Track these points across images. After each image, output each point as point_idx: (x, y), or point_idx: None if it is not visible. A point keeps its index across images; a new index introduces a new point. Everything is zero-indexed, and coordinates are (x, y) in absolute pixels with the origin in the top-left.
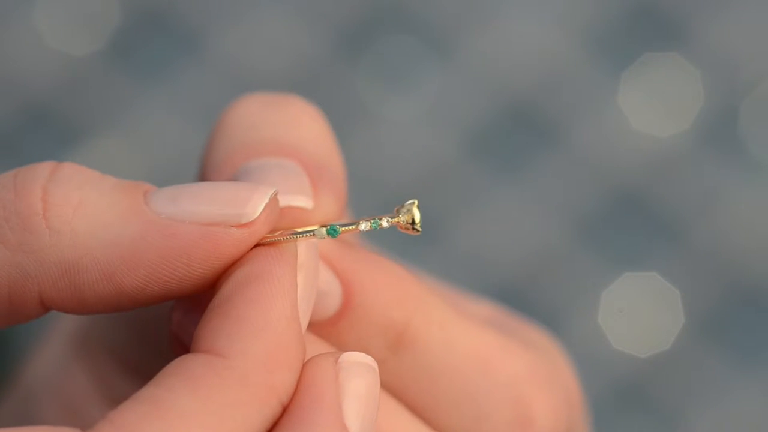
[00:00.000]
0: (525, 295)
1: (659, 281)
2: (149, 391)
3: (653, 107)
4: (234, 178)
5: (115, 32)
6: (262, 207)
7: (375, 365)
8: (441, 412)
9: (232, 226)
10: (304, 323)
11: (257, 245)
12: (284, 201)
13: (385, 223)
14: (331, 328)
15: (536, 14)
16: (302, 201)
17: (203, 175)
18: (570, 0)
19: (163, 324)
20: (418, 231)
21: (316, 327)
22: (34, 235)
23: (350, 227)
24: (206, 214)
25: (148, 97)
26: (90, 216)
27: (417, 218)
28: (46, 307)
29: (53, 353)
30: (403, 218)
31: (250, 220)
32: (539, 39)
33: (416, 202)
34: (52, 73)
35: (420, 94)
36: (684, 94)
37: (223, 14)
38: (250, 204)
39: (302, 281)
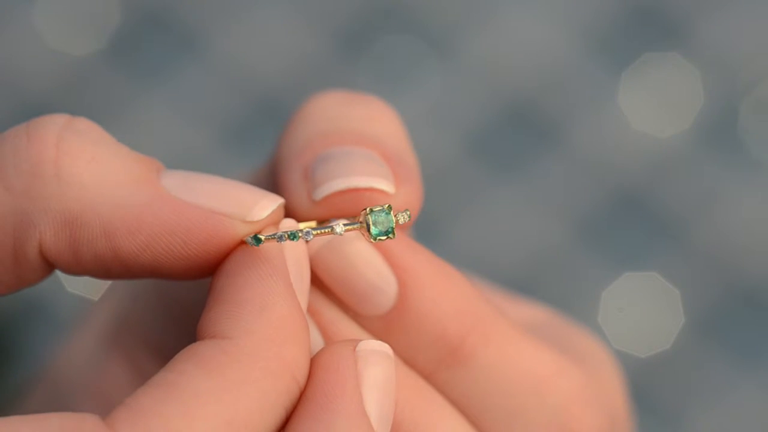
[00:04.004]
0: (525, 295)
1: (659, 281)
2: (162, 375)
3: (653, 107)
4: (313, 164)
5: (115, 32)
6: (269, 211)
7: (391, 353)
8: (487, 425)
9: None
10: (303, 301)
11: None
12: (366, 182)
13: (310, 236)
14: (381, 328)
15: (536, 14)
16: (385, 185)
17: (278, 160)
18: (570, 0)
19: (199, 313)
20: (374, 240)
21: (367, 323)
22: (42, 182)
23: (273, 237)
24: (215, 208)
25: (148, 97)
26: (101, 173)
27: (373, 229)
28: (45, 260)
29: (85, 347)
30: (357, 225)
31: (255, 220)
32: (539, 39)
33: (372, 209)
34: (52, 73)
35: (420, 95)
36: (684, 94)
37: (223, 14)
38: (257, 206)
39: (292, 261)
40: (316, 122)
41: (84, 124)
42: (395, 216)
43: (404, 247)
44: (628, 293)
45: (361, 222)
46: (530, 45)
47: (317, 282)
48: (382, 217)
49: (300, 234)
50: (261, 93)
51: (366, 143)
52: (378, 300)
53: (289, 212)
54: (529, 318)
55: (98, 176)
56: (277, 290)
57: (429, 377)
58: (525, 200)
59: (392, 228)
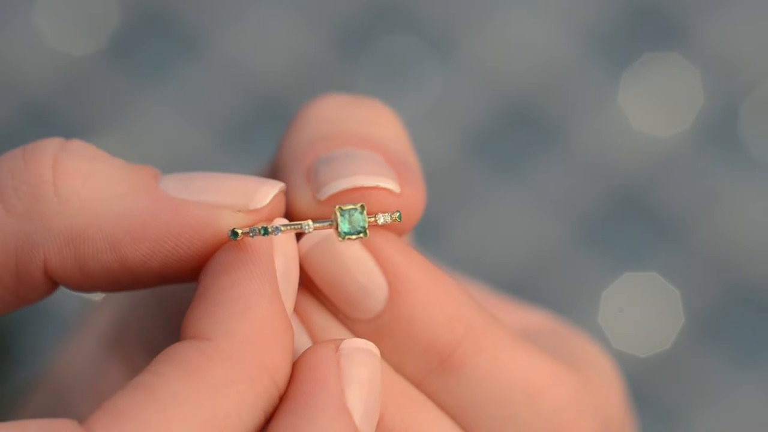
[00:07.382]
0: (525, 296)
1: (659, 281)
2: (140, 378)
3: (653, 107)
4: (315, 166)
5: (115, 32)
6: (271, 197)
7: (376, 351)
8: (478, 430)
9: (240, 211)
10: (289, 304)
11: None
12: (372, 181)
13: (303, 228)
14: (371, 333)
15: (536, 14)
16: (391, 184)
17: (279, 164)
18: (570, 0)
19: None
20: (342, 238)
21: (357, 328)
22: (43, 202)
23: (248, 233)
24: (216, 202)
25: (148, 97)
26: (100, 187)
27: (342, 227)
28: (50, 278)
29: (85, 350)
30: (328, 223)
31: (258, 207)
32: (539, 39)
33: (342, 207)
34: (52, 73)
35: (420, 94)
36: (684, 94)
37: (223, 14)
38: (258, 194)
39: (281, 262)
40: (317, 125)
41: (77, 145)
42: (376, 217)
43: (397, 250)
44: (628, 293)
45: (332, 220)
46: (530, 45)
47: (307, 285)
48: (355, 216)
49: (270, 229)
50: (261, 93)
51: (368, 145)
52: (367, 303)
53: (293, 214)
54: (527, 324)
55: (97, 191)
56: (262, 292)
57: (420, 384)
58: (525, 200)
59: (364, 227)
